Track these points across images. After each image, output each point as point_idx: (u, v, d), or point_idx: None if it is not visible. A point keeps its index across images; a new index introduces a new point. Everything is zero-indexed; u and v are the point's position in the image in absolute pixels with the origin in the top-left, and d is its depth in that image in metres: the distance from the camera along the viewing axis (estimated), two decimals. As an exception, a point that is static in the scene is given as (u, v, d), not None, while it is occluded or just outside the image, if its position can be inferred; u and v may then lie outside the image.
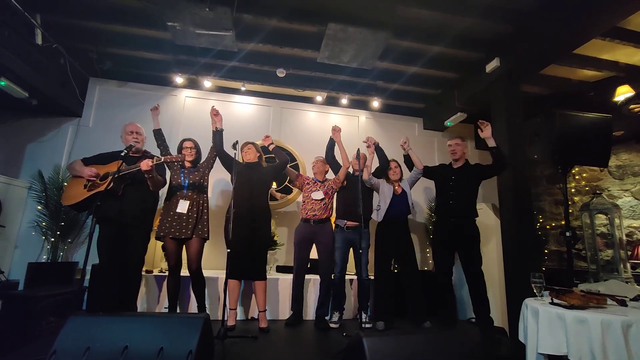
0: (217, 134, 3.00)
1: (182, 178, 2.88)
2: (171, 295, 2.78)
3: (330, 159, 3.36)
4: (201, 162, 3.06)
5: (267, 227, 3.05)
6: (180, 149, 3.00)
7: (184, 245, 2.82)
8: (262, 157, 3.25)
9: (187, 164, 2.96)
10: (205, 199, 2.94)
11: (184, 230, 2.75)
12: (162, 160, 2.52)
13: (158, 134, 2.96)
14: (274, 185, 4.03)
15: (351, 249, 3.23)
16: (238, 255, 2.77)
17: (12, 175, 3.56)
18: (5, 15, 2.77)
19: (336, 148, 3.35)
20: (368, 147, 3.20)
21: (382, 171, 3.33)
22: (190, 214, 2.79)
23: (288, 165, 3.37)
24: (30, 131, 3.82)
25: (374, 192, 3.36)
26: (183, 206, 2.79)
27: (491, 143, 2.93)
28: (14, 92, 3.15)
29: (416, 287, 3.06)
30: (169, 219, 2.77)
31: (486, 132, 2.93)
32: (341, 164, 3.31)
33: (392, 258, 3.19)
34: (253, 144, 3.17)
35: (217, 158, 3.04)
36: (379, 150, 3.33)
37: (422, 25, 3.13)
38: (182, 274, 2.86)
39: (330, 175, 3.41)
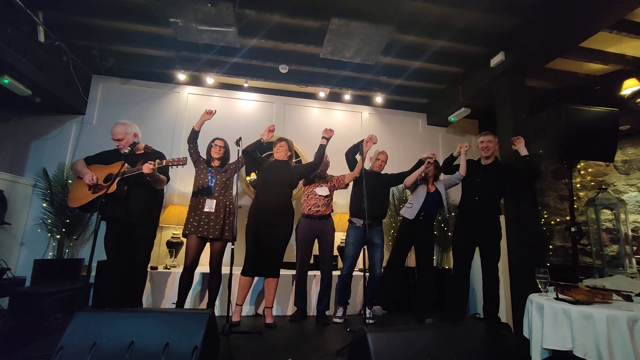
0: (258, 143, 2.96)
1: (210, 177, 2.91)
2: (182, 291, 2.79)
3: (350, 159, 3.20)
4: (229, 162, 3.08)
5: (289, 226, 3.00)
6: (210, 147, 3.03)
7: (208, 244, 2.85)
8: (293, 157, 3.20)
9: (216, 163, 3.00)
10: (231, 199, 2.96)
11: (211, 230, 2.79)
12: (164, 163, 2.52)
13: (193, 133, 2.96)
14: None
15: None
16: (257, 252, 2.78)
17: (17, 173, 3.59)
18: (7, 13, 2.77)
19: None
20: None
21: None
22: (217, 213, 2.83)
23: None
24: (34, 129, 3.84)
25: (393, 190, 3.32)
26: (210, 205, 2.83)
27: (524, 152, 2.87)
28: (17, 89, 3.16)
29: (426, 284, 3.08)
30: (197, 218, 2.81)
31: (518, 143, 2.89)
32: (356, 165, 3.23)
33: (408, 253, 3.20)
34: (287, 141, 3.13)
35: (245, 158, 2.98)
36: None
37: (426, 19, 3.10)
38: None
39: (331, 171, 3.40)
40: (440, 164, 3.28)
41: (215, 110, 2.99)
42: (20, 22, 2.91)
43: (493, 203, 2.94)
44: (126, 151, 2.38)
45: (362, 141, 3.08)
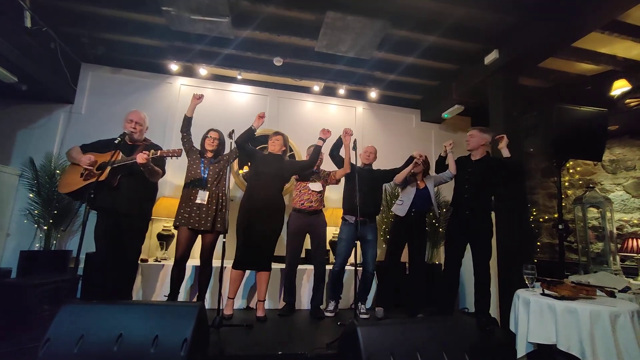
0: (249, 131, 2.93)
1: (202, 168, 2.87)
2: (174, 284, 2.77)
3: (336, 157, 3.25)
4: (223, 154, 3.04)
5: (280, 219, 2.99)
6: (204, 138, 2.99)
7: (199, 236, 2.83)
8: (287, 152, 3.20)
9: (209, 154, 2.97)
10: (224, 191, 2.92)
11: (202, 222, 2.76)
12: (159, 154, 2.48)
13: (187, 120, 2.92)
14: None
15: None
16: (247, 245, 2.77)
17: (3, 162, 3.50)
18: (-8, -4, 2.68)
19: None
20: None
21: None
22: (209, 205, 2.80)
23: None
24: (20, 117, 3.73)
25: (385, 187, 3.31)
26: (202, 196, 2.79)
27: (505, 153, 2.87)
28: (2, 76, 3.07)
29: (418, 279, 3.11)
30: (188, 209, 2.77)
31: (501, 143, 2.89)
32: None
33: (403, 249, 3.19)
34: (282, 135, 3.12)
35: (238, 150, 2.98)
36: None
37: (421, 14, 3.09)
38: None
39: (324, 166, 3.39)
40: (433, 162, 3.29)
41: (203, 94, 2.96)
42: (6, 5, 2.81)
43: (482, 199, 2.92)
44: (119, 139, 2.33)
45: (340, 139, 3.18)
